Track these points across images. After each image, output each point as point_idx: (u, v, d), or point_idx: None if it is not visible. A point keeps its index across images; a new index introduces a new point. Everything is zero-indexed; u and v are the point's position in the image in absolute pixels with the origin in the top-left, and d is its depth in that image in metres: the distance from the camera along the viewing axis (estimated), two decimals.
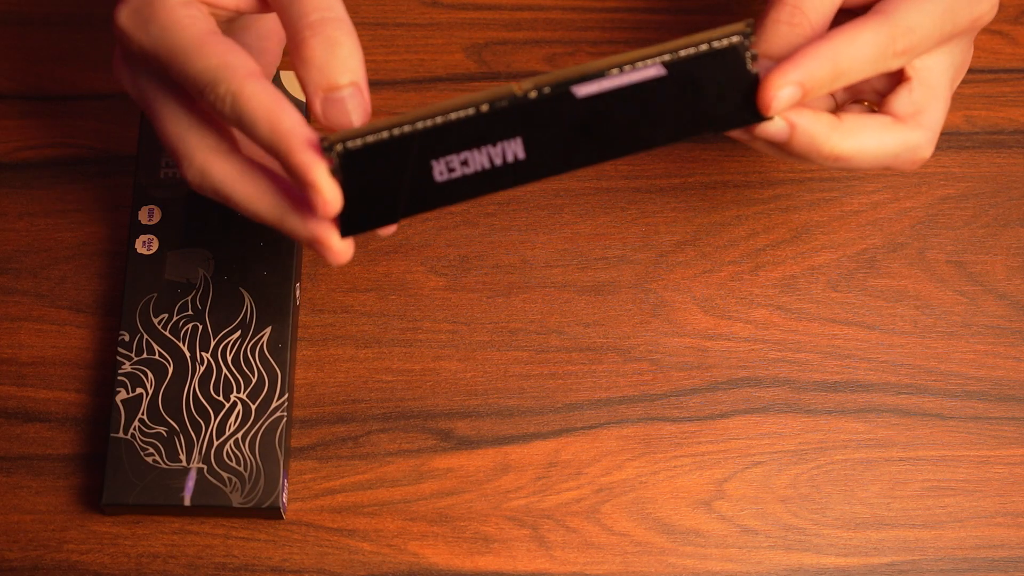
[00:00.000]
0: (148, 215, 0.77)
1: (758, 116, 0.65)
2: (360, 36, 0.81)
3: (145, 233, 0.76)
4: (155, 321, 0.75)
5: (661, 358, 0.77)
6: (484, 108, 0.63)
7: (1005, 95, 0.81)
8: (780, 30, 0.66)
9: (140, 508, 0.73)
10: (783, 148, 0.67)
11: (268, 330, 0.75)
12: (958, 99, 0.81)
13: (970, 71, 0.81)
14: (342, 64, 0.64)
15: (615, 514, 0.75)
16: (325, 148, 0.62)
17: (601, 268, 0.78)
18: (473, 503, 0.75)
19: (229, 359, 0.74)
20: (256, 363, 0.74)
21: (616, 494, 0.75)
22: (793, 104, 0.65)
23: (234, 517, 0.74)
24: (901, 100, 0.69)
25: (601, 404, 0.76)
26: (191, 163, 0.65)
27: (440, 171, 0.64)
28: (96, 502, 0.74)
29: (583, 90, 0.63)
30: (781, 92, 0.64)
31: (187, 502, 0.72)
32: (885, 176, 0.80)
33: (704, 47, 0.63)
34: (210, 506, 0.72)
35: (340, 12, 0.64)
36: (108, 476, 0.73)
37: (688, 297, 0.78)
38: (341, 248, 0.65)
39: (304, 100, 0.78)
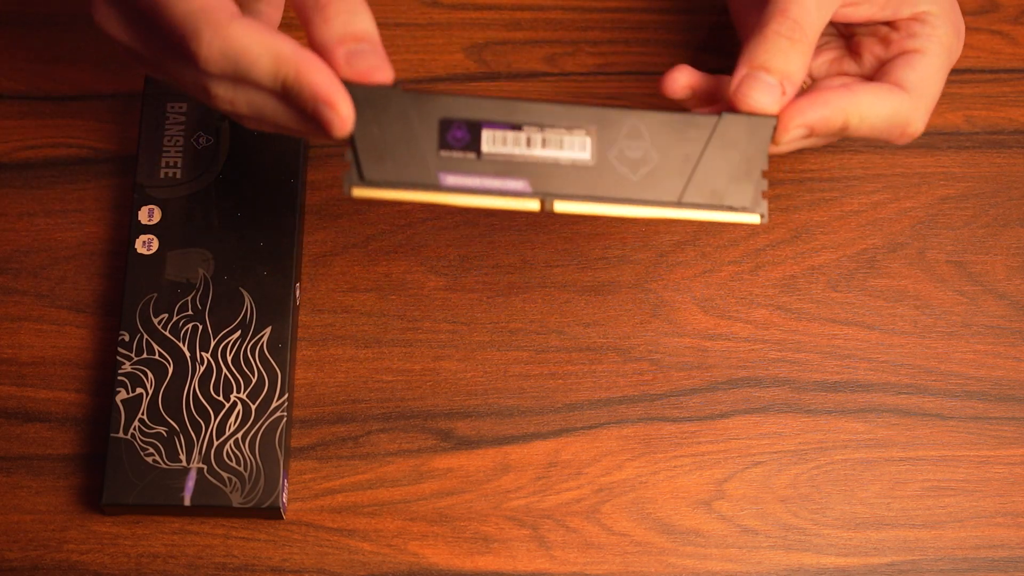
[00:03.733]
0: (148, 215, 0.77)
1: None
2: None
3: (145, 233, 0.76)
4: (155, 321, 0.75)
5: (661, 358, 0.77)
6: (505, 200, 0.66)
7: (1005, 95, 0.81)
8: (780, 43, 0.67)
9: (140, 508, 0.73)
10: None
11: (268, 330, 0.75)
12: (958, 99, 0.81)
13: (970, 71, 0.81)
14: (367, 22, 0.65)
15: (615, 514, 0.75)
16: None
17: (601, 268, 0.78)
18: (473, 503, 0.75)
19: (229, 359, 0.74)
20: (256, 363, 0.74)
21: (616, 494, 0.75)
22: (797, 140, 0.68)
23: (234, 517, 0.74)
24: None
25: (601, 404, 0.76)
26: (211, 32, 0.64)
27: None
28: (96, 502, 0.74)
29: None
30: (791, 134, 0.67)
31: (187, 502, 0.72)
32: (885, 176, 0.80)
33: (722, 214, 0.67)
34: (210, 506, 0.72)
35: None
36: (108, 476, 0.73)
37: (688, 297, 0.78)
38: (348, 114, 0.64)
39: None
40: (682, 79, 0.70)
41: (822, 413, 0.76)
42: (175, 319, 0.75)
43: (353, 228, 0.79)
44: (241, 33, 0.63)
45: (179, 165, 0.77)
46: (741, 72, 0.67)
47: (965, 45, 0.81)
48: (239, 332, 0.75)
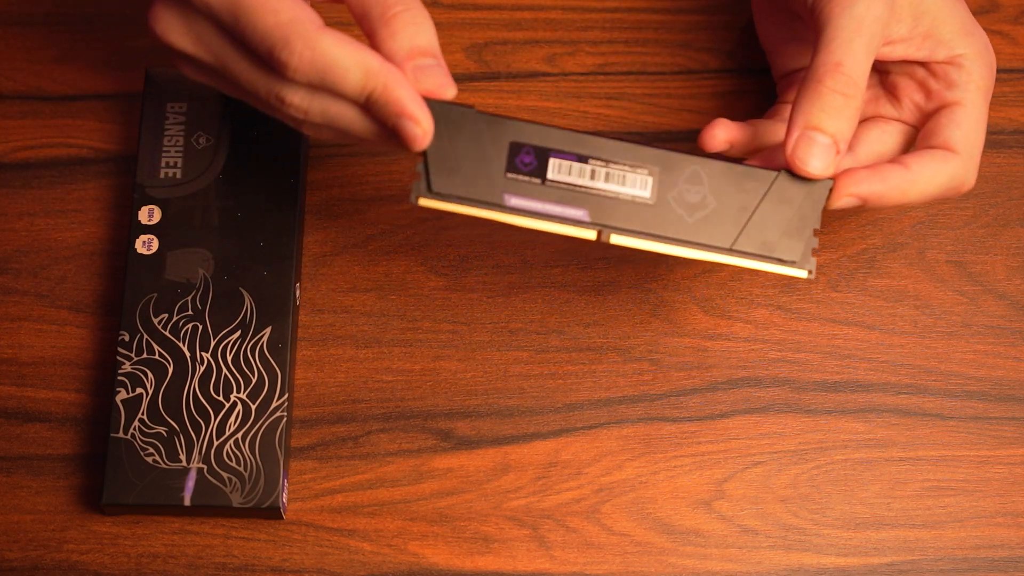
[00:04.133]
0: (148, 215, 0.77)
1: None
2: (360, 37, 0.81)
3: (145, 233, 0.76)
4: (155, 321, 0.75)
5: (661, 358, 0.77)
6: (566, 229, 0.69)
7: (1005, 95, 0.81)
8: (836, 101, 0.68)
9: (140, 508, 0.73)
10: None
11: (268, 330, 0.75)
12: None
13: None
14: (431, 36, 0.66)
15: (615, 514, 0.75)
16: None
17: (601, 268, 0.78)
18: (473, 503, 0.75)
19: (229, 359, 0.74)
20: (256, 363, 0.74)
21: (616, 494, 0.75)
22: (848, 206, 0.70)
23: (234, 517, 0.74)
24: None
25: (601, 404, 0.76)
26: (301, 43, 0.65)
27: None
28: (96, 502, 0.74)
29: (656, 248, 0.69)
30: (844, 201, 0.68)
31: (187, 502, 0.72)
32: None
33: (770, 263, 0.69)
34: (210, 506, 0.72)
35: (420, 3, 0.67)
36: (108, 476, 0.73)
37: (688, 297, 0.78)
38: (429, 129, 0.66)
39: None
40: (720, 135, 0.71)
41: (822, 413, 0.76)
42: (175, 319, 0.75)
43: (353, 228, 0.79)
44: (332, 44, 0.65)
45: (179, 165, 0.77)
46: (795, 132, 0.68)
47: None
48: (239, 332, 0.75)
